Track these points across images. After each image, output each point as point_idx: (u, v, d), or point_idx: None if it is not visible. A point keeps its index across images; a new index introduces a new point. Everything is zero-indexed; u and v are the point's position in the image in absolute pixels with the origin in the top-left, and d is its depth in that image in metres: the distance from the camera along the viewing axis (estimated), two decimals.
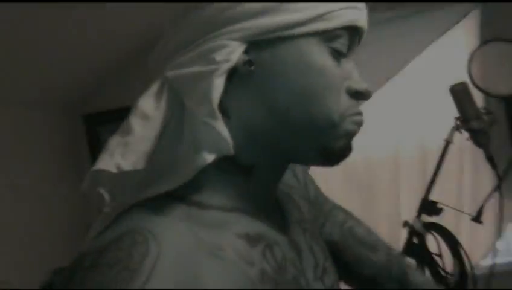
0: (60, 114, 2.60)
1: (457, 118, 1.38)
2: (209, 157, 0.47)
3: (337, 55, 0.53)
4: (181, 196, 0.51)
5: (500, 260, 2.69)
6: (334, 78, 0.52)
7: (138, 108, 0.51)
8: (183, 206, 0.50)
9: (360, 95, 0.54)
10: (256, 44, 0.51)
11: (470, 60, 1.40)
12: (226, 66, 0.49)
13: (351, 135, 0.54)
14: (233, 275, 0.46)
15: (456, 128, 1.38)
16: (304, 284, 0.55)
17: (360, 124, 0.54)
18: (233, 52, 0.49)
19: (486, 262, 2.50)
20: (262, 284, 0.48)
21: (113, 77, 2.72)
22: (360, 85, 0.54)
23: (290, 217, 0.61)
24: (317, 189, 0.79)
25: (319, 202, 0.78)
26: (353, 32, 0.54)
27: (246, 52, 0.51)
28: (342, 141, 0.53)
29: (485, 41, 1.43)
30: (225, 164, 0.52)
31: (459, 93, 1.35)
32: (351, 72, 0.54)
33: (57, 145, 2.49)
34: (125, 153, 0.49)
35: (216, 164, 0.49)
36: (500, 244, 2.65)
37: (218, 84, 0.48)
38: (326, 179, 2.72)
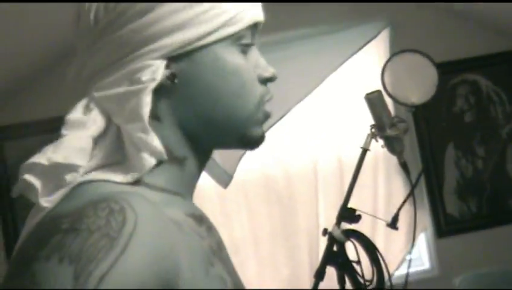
0: None
1: (372, 126, 1.41)
2: (152, 161, 0.54)
3: (245, 48, 0.60)
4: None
5: (412, 269, 2.80)
6: (248, 74, 0.60)
7: (67, 121, 0.54)
8: (135, 186, 0.54)
9: (269, 80, 0.62)
10: (175, 57, 0.56)
11: (383, 70, 1.44)
12: (152, 85, 0.54)
13: (262, 123, 0.62)
14: (194, 246, 0.52)
15: (372, 135, 1.40)
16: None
17: (268, 115, 0.62)
18: (157, 71, 0.54)
19: (400, 271, 2.59)
20: (213, 257, 0.55)
21: (17, 91, 2.57)
22: (268, 72, 0.62)
23: None
24: None
25: None
26: (254, 24, 0.61)
27: (167, 66, 0.56)
28: (257, 129, 0.62)
29: (397, 52, 1.48)
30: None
31: (374, 101, 1.38)
32: (258, 59, 0.62)
33: None
34: (56, 149, 0.51)
35: None
36: (412, 254, 2.76)
37: (147, 101, 0.54)
38: (246, 192, 2.70)
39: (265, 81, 0.62)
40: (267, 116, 0.62)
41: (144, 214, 0.45)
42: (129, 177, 0.53)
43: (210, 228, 0.60)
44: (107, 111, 0.56)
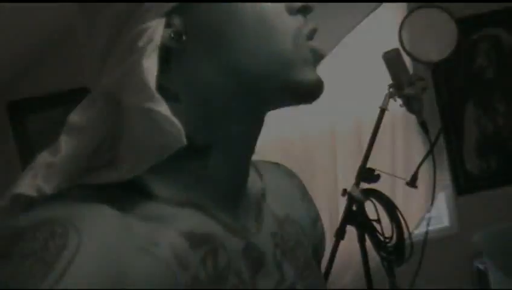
0: None
1: (390, 85, 1.39)
2: (152, 158, 0.44)
3: None
4: (122, 183, 0.46)
5: (431, 226, 2.81)
6: (269, 7, 0.47)
7: (67, 123, 0.47)
8: (120, 194, 0.45)
9: (301, 11, 0.48)
10: (175, 12, 0.45)
11: (401, 27, 1.41)
12: (151, 46, 0.44)
13: (310, 62, 0.48)
14: (160, 275, 0.43)
15: (390, 95, 1.39)
16: None
17: (317, 52, 0.49)
18: (154, 32, 0.44)
19: (419, 230, 2.60)
20: None
21: (38, 62, 2.52)
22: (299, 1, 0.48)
23: (262, 224, 0.55)
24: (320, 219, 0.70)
25: (320, 232, 0.69)
26: None
27: (169, 25, 0.45)
28: (304, 71, 0.48)
29: (414, 7, 1.44)
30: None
31: (392, 59, 1.36)
32: None
33: None
34: (48, 176, 0.45)
35: None
36: (431, 212, 2.76)
37: (150, 66, 0.43)
38: (263, 155, 2.70)
39: (296, 12, 0.48)
40: (316, 52, 0.49)
41: (90, 239, 0.39)
42: (120, 176, 0.45)
43: (215, 252, 0.47)
44: (116, 97, 0.47)
